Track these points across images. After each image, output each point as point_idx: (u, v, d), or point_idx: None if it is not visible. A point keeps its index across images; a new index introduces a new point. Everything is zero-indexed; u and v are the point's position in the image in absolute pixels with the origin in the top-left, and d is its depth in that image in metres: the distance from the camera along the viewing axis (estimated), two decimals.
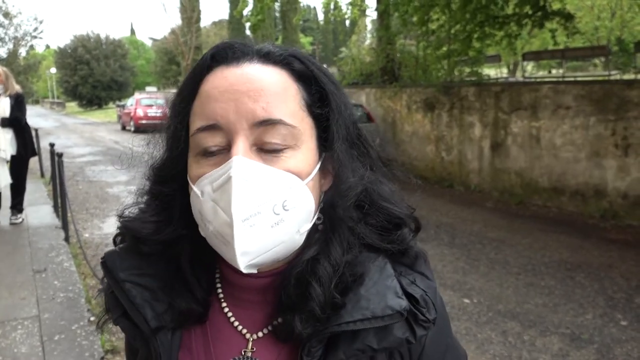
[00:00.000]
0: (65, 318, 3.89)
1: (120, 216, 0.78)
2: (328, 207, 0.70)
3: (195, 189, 0.67)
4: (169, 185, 0.72)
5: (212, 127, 0.65)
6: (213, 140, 0.66)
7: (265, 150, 0.65)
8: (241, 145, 0.64)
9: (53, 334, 3.64)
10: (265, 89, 0.65)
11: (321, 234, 0.70)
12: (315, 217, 0.70)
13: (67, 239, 5.80)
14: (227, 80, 0.66)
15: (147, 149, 0.79)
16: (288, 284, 0.68)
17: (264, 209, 0.63)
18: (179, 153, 0.70)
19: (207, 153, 0.66)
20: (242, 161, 0.63)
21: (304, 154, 0.67)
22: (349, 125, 0.72)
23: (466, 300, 4.37)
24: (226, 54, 0.69)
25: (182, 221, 0.72)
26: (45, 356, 3.36)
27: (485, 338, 3.74)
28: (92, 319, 3.89)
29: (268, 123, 0.64)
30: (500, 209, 7.75)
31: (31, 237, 5.95)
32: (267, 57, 0.69)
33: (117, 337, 3.67)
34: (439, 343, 0.74)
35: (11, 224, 6.39)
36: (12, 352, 3.41)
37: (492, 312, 4.15)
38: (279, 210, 0.64)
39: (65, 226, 5.95)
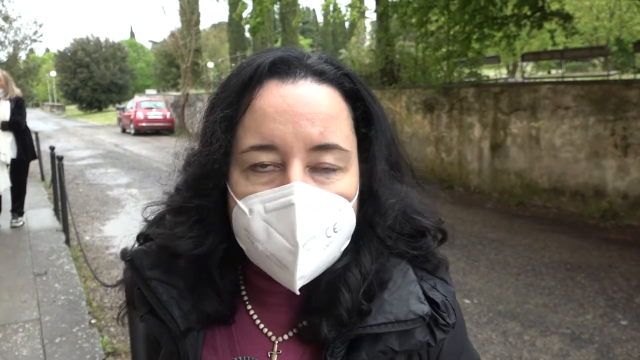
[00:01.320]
0: (66, 321, 3.89)
1: (149, 227, 0.77)
2: (366, 225, 0.72)
3: (242, 205, 0.66)
4: (210, 198, 0.70)
5: (268, 148, 0.65)
6: (268, 158, 0.65)
7: (317, 172, 0.66)
8: (298, 168, 0.64)
9: (54, 336, 3.65)
10: (323, 113, 0.66)
11: (352, 245, 0.72)
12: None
13: (67, 241, 5.81)
14: (284, 100, 0.65)
15: (178, 159, 0.77)
16: (317, 289, 0.70)
17: (319, 232, 0.64)
18: (224, 164, 0.68)
19: (257, 167, 0.66)
20: (303, 188, 0.63)
21: (352, 176, 0.69)
22: (390, 144, 0.74)
23: (466, 301, 4.37)
24: (280, 68, 0.68)
25: (220, 234, 0.72)
26: (47, 359, 3.36)
27: (485, 338, 3.74)
28: (93, 321, 3.90)
29: (325, 148, 0.65)
30: (500, 210, 7.75)
31: (32, 240, 5.95)
32: (321, 76, 0.69)
33: (118, 339, 3.68)
34: (455, 345, 0.77)
35: (12, 227, 6.40)
36: (14, 355, 3.42)
37: (492, 312, 4.16)
38: (330, 233, 0.65)
39: (65, 229, 5.96)
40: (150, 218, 0.78)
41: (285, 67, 0.68)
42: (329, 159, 0.66)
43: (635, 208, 6.67)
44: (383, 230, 0.72)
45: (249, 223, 0.65)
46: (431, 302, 0.69)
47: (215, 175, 0.69)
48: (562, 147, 7.56)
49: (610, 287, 4.63)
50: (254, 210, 0.65)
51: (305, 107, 0.65)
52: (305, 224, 0.63)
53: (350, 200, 0.68)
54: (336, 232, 0.66)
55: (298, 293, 0.66)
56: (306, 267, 0.64)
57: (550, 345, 3.64)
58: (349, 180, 0.68)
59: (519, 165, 8.23)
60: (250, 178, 0.66)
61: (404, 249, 0.73)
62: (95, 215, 7.61)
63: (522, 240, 6.09)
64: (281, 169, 0.65)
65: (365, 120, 0.71)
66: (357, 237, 0.72)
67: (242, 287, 0.77)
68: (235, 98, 0.68)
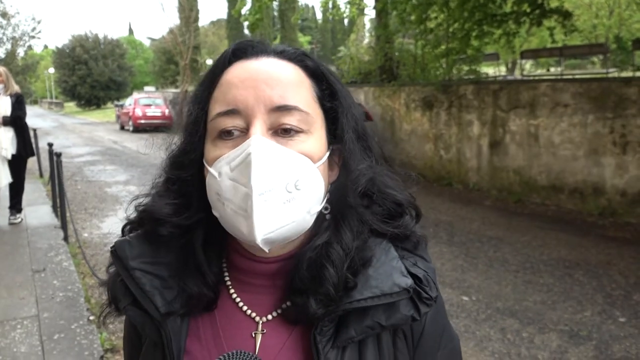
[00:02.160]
0: (64, 317, 3.89)
1: (136, 206, 0.80)
2: (339, 195, 0.74)
3: (212, 170, 0.70)
4: (187, 170, 0.74)
5: (232, 112, 0.70)
6: (232, 123, 0.70)
7: (280, 134, 0.70)
8: (259, 127, 0.68)
9: (52, 333, 3.65)
10: (282, 78, 0.71)
11: (331, 222, 0.74)
12: (324, 202, 0.74)
13: (66, 238, 5.81)
14: (246, 70, 0.72)
15: (162, 146, 0.82)
16: (300, 268, 0.71)
17: (277, 186, 0.66)
18: (198, 139, 0.74)
19: (224, 134, 0.70)
20: (261, 140, 0.67)
21: (316, 139, 0.72)
22: (357, 119, 0.78)
23: (465, 298, 4.37)
24: (246, 50, 0.75)
25: (200, 205, 0.74)
26: (45, 355, 3.36)
27: (484, 335, 3.75)
28: (91, 318, 3.89)
29: (284, 109, 0.69)
30: (498, 207, 7.76)
31: (30, 236, 5.95)
32: (282, 54, 0.75)
33: (116, 336, 3.68)
34: (437, 323, 0.79)
35: (10, 223, 6.39)
36: (12, 351, 3.41)
37: (490, 309, 4.16)
38: (291, 189, 0.67)
39: (64, 226, 5.95)
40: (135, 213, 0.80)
41: (249, 49, 0.76)
42: (290, 120, 0.70)
43: (633, 205, 6.68)
44: (355, 198, 0.73)
45: (219, 185, 0.69)
46: (413, 277, 0.72)
47: (190, 147, 0.74)
48: (560, 144, 7.56)
49: (608, 284, 4.64)
50: (222, 172, 0.69)
51: (266, 74, 0.71)
52: (260, 172, 0.66)
53: (314, 161, 0.70)
54: (298, 189, 0.68)
55: (260, 245, 0.66)
56: (265, 217, 0.66)
57: (549, 342, 3.64)
58: (313, 142, 0.71)
59: (518, 162, 8.23)
60: (218, 144, 0.71)
61: (384, 227, 0.75)
62: (94, 212, 7.60)
63: (520, 237, 6.09)
64: (246, 133, 0.70)
65: (330, 96, 0.76)
66: (335, 212, 0.74)
67: (225, 272, 0.78)
68: (206, 79, 0.76)
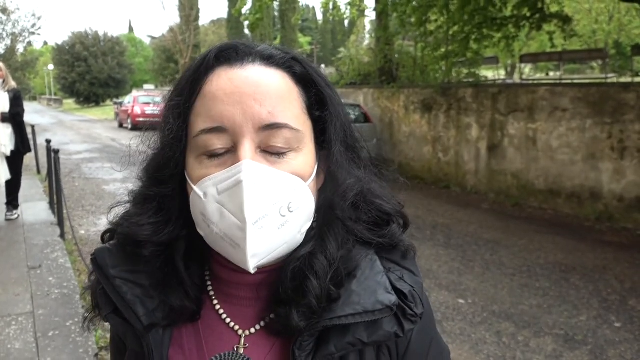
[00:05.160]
0: (59, 314, 3.88)
1: (113, 223, 0.77)
2: (326, 207, 0.72)
3: (197, 190, 0.67)
4: (168, 186, 0.71)
5: (218, 130, 0.66)
6: (219, 142, 0.66)
7: (269, 153, 0.66)
8: (248, 148, 0.65)
9: (47, 330, 3.64)
10: (271, 92, 0.67)
11: (316, 231, 0.71)
12: (314, 217, 0.71)
13: (62, 235, 5.79)
14: (232, 82, 0.67)
15: (143, 148, 0.78)
16: (285, 279, 0.69)
17: (271, 211, 0.64)
18: (179, 153, 0.70)
19: (212, 155, 0.66)
20: (252, 165, 0.64)
21: (306, 156, 0.69)
22: (345, 127, 0.74)
23: (461, 301, 4.37)
24: (229, 54, 0.70)
25: (180, 221, 0.72)
26: (39, 352, 3.35)
27: (479, 338, 3.75)
28: (86, 315, 3.88)
29: (274, 127, 0.66)
30: (496, 211, 7.76)
31: (26, 233, 5.93)
32: (269, 60, 0.70)
33: None
34: (424, 337, 0.76)
35: (6, 220, 6.37)
36: (6, 348, 3.40)
37: (486, 312, 4.16)
38: (284, 212, 0.65)
39: (60, 223, 5.94)
40: (116, 218, 0.77)
41: (233, 54, 0.70)
42: (280, 140, 0.66)
43: (630, 211, 6.69)
44: (343, 212, 0.71)
45: (204, 207, 0.66)
46: (399, 292, 0.69)
47: (170, 162, 0.70)
48: (559, 148, 7.58)
49: (604, 289, 4.64)
50: (208, 193, 0.66)
51: (253, 88, 0.66)
52: (254, 201, 0.63)
53: (305, 180, 0.68)
54: (291, 211, 0.66)
55: (252, 271, 0.66)
56: (258, 245, 0.64)
57: (544, 346, 3.65)
58: (303, 159, 0.68)
59: (516, 166, 8.24)
60: (204, 162, 0.67)
61: (370, 236, 0.73)
62: (91, 209, 7.59)
63: (517, 241, 6.10)
64: (233, 152, 0.66)
65: (319, 104, 0.72)
66: (321, 222, 0.72)
67: (208, 282, 0.76)
68: (186, 86, 0.70)
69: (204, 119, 0.67)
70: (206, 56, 0.70)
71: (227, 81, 0.67)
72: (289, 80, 0.70)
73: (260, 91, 0.66)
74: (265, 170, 0.64)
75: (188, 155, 0.69)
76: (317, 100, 0.72)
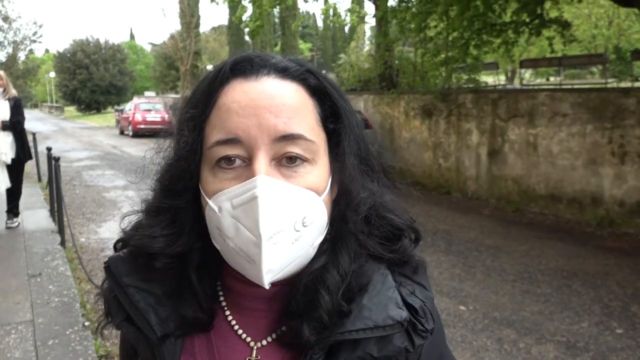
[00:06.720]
0: (59, 323, 3.87)
1: (125, 233, 0.78)
2: (339, 220, 0.72)
3: (211, 204, 0.67)
4: (182, 198, 0.71)
5: (232, 141, 0.66)
6: (233, 152, 0.66)
7: (284, 165, 0.66)
8: (262, 161, 0.65)
9: (47, 338, 3.63)
10: (286, 104, 0.67)
11: (329, 244, 0.72)
12: (326, 230, 0.71)
13: (63, 243, 5.79)
14: (247, 95, 0.67)
15: (156, 159, 0.78)
16: (297, 292, 0.69)
17: (286, 226, 0.64)
18: (194, 166, 0.70)
19: (224, 161, 0.67)
20: (267, 180, 0.64)
21: (320, 169, 0.69)
22: (359, 140, 0.74)
23: (462, 307, 4.36)
24: (244, 67, 0.70)
25: (193, 233, 0.72)
26: None
27: (480, 345, 3.73)
28: (86, 323, 3.87)
29: (289, 138, 0.66)
30: (497, 216, 7.75)
31: (27, 241, 5.93)
32: (284, 72, 0.70)
33: (111, 342, 3.66)
34: (434, 351, 0.76)
35: (7, 227, 6.37)
36: (6, 357, 3.39)
37: (488, 319, 4.14)
38: (299, 227, 0.65)
39: (61, 230, 5.93)
40: (129, 227, 0.78)
41: (248, 66, 0.70)
42: (294, 149, 0.66)
43: (632, 216, 6.68)
44: (356, 225, 0.71)
45: (219, 221, 0.66)
46: (410, 307, 0.69)
47: (185, 174, 0.70)
48: (559, 154, 7.57)
49: (606, 295, 4.62)
50: (223, 207, 0.66)
51: (268, 100, 0.66)
52: (269, 216, 0.63)
53: (319, 194, 0.68)
54: (306, 226, 0.66)
55: (267, 287, 0.66)
56: (273, 261, 0.64)
57: (546, 353, 3.63)
58: (318, 173, 0.68)
59: (517, 171, 8.23)
60: (218, 175, 0.67)
61: (381, 251, 0.73)
62: (92, 217, 7.59)
63: (518, 247, 6.08)
64: (247, 164, 0.66)
65: (333, 116, 0.72)
66: (334, 236, 0.72)
67: (221, 292, 0.76)
68: (201, 97, 0.71)
69: (218, 130, 0.67)
70: (221, 68, 0.71)
71: (242, 93, 0.67)
72: (303, 92, 0.70)
73: (275, 103, 0.66)
74: (280, 186, 0.64)
75: (202, 168, 0.69)
76: (331, 113, 0.72)
